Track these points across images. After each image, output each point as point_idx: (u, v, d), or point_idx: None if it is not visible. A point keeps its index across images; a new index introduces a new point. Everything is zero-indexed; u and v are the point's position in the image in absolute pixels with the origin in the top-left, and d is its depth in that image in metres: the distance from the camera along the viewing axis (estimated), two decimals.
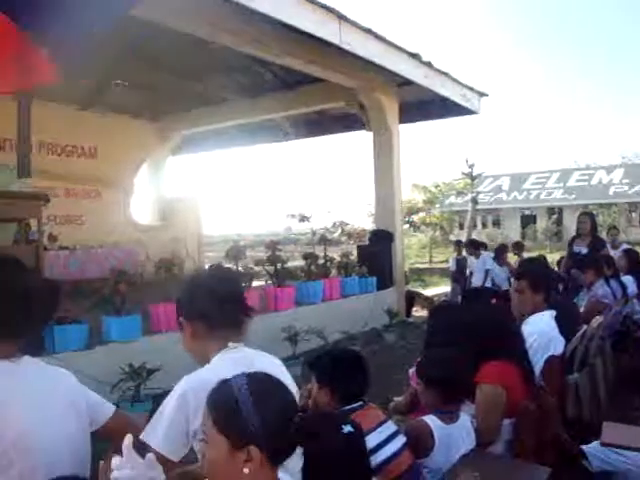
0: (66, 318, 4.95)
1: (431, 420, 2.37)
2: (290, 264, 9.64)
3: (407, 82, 9.03)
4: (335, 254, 9.78)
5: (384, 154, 9.86)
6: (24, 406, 1.58)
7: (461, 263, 10.98)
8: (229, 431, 1.35)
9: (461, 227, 30.65)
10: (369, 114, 9.74)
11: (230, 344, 1.80)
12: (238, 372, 1.43)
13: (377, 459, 2.14)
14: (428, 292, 14.11)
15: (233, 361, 1.70)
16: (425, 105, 10.60)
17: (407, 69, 8.29)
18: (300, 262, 9.14)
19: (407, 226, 29.91)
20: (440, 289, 14.58)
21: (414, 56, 8.26)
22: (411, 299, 10.76)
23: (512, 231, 32.83)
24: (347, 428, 1.77)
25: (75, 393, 1.75)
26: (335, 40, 6.59)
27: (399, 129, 10.01)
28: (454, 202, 32.09)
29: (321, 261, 8.73)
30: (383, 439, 2.22)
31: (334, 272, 9.18)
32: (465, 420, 2.47)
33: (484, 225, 36.23)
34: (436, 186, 27.62)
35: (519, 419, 2.66)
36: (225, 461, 1.35)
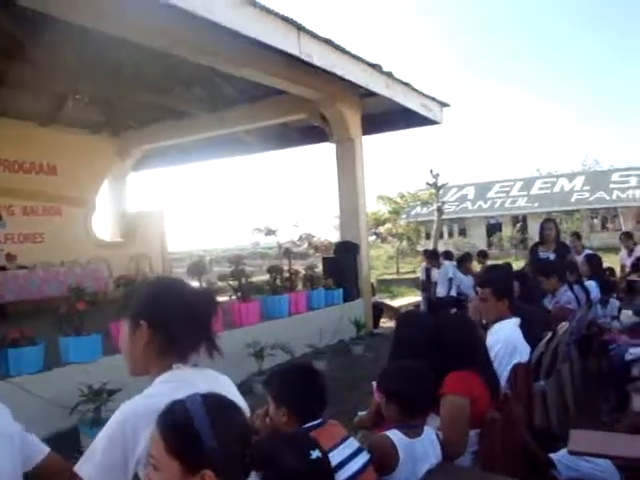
0: (20, 340, 4.76)
1: (394, 435, 2.29)
2: (257, 278, 9.54)
3: (370, 93, 9.06)
4: (300, 267, 9.71)
5: (347, 165, 9.84)
6: None
7: (430, 272, 11.01)
8: (183, 455, 1.26)
9: (428, 237, 30.85)
10: (331, 126, 9.72)
11: (174, 365, 1.65)
12: (180, 396, 1.34)
13: (340, 478, 2.06)
14: (396, 303, 14.10)
15: (175, 384, 1.57)
16: (388, 116, 10.63)
17: (368, 80, 8.29)
18: (267, 276, 9.04)
19: (374, 237, 30.03)
20: (408, 299, 14.56)
21: (374, 66, 8.27)
22: (379, 310, 10.75)
23: (478, 240, 33.15)
24: (315, 454, 1.66)
25: (10, 426, 1.62)
26: (294, 51, 6.55)
27: (362, 140, 10.02)
28: (420, 212, 32.32)
29: (286, 274, 8.64)
30: (346, 457, 2.13)
31: (300, 285, 9.09)
32: (430, 433, 2.39)
33: (450, 234, 36.51)
34: (401, 197, 27.73)
35: (485, 429, 2.60)
36: None
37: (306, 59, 6.75)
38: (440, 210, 25.38)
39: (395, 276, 22.17)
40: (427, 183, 26.70)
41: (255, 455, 1.32)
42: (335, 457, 2.08)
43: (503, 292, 3.60)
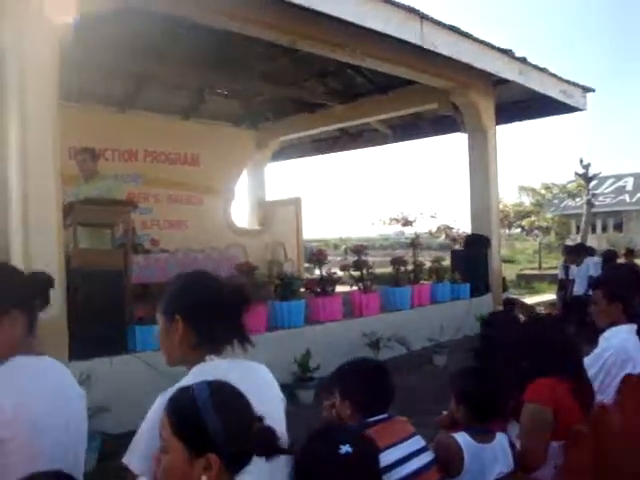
0: (145, 318, 5.15)
1: (461, 437, 2.22)
2: (386, 269, 9.52)
3: (502, 81, 8.70)
4: (427, 259, 9.58)
5: (480, 156, 9.54)
6: (42, 394, 1.62)
7: (568, 269, 10.40)
8: (188, 438, 1.33)
9: (579, 231, 29.06)
10: (463, 115, 9.45)
11: (207, 357, 1.72)
12: None
13: (395, 476, 2.03)
14: (533, 299, 13.50)
15: (206, 376, 1.61)
16: (524, 104, 10.15)
17: (499, 66, 7.95)
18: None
19: (519, 230, 28.77)
20: (546, 297, 13.89)
21: (505, 52, 7.91)
22: (510, 307, 10.32)
23: (636, 235, 30.68)
24: (345, 449, 1.64)
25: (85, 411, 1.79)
26: (417, 41, 6.44)
27: (496, 130, 9.65)
28: (571, 205, 30.44)
29: (411, 266, 8.56)
30: (407, 454, 2.11)
31: (426, 278, 8.96)
32: (503, 440, 2.29)
33: (604, 229, 34.15)
34: (546, 188, 26.23)
35: (570, 443, 2.44)
36: (182, 469, 1.33)
37: (429, 48, 6.61)
38: (590, 203, 23.70)
39: (537, 271, 21.20)
40: (576, 173, 25.05)
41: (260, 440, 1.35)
42: (394, 453, 2.07)
43: (616, 295, 3.31)
